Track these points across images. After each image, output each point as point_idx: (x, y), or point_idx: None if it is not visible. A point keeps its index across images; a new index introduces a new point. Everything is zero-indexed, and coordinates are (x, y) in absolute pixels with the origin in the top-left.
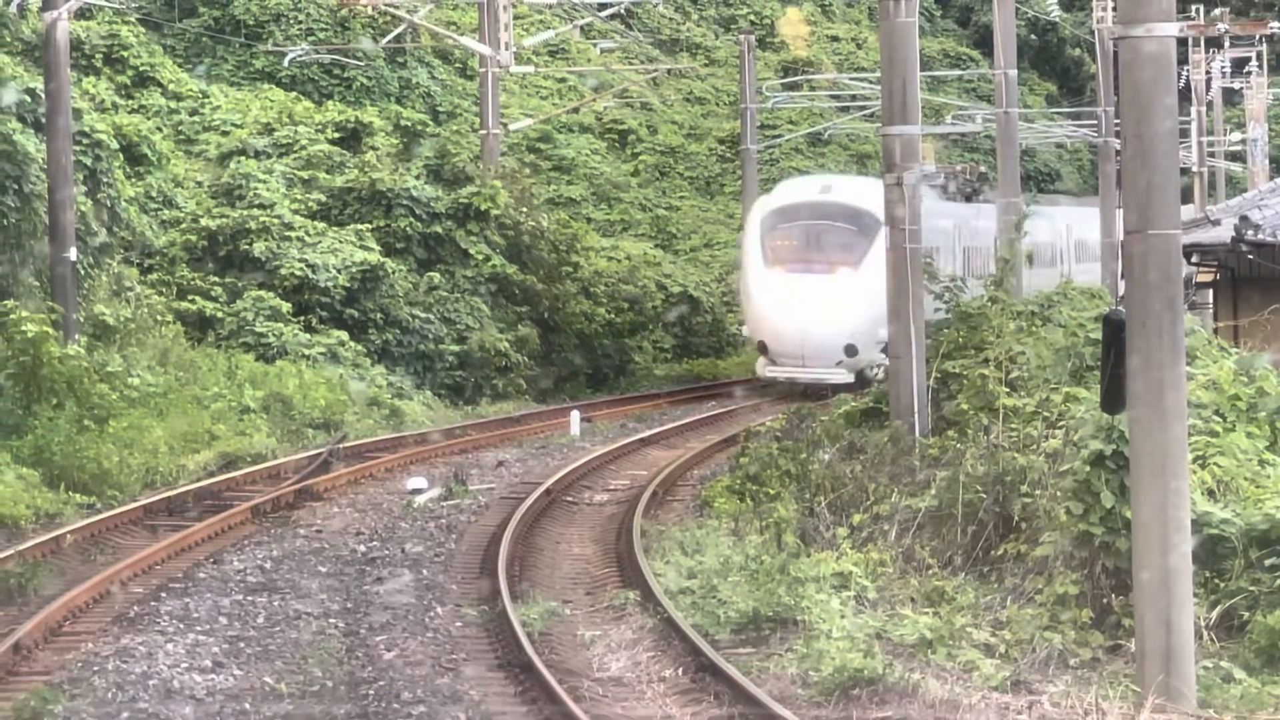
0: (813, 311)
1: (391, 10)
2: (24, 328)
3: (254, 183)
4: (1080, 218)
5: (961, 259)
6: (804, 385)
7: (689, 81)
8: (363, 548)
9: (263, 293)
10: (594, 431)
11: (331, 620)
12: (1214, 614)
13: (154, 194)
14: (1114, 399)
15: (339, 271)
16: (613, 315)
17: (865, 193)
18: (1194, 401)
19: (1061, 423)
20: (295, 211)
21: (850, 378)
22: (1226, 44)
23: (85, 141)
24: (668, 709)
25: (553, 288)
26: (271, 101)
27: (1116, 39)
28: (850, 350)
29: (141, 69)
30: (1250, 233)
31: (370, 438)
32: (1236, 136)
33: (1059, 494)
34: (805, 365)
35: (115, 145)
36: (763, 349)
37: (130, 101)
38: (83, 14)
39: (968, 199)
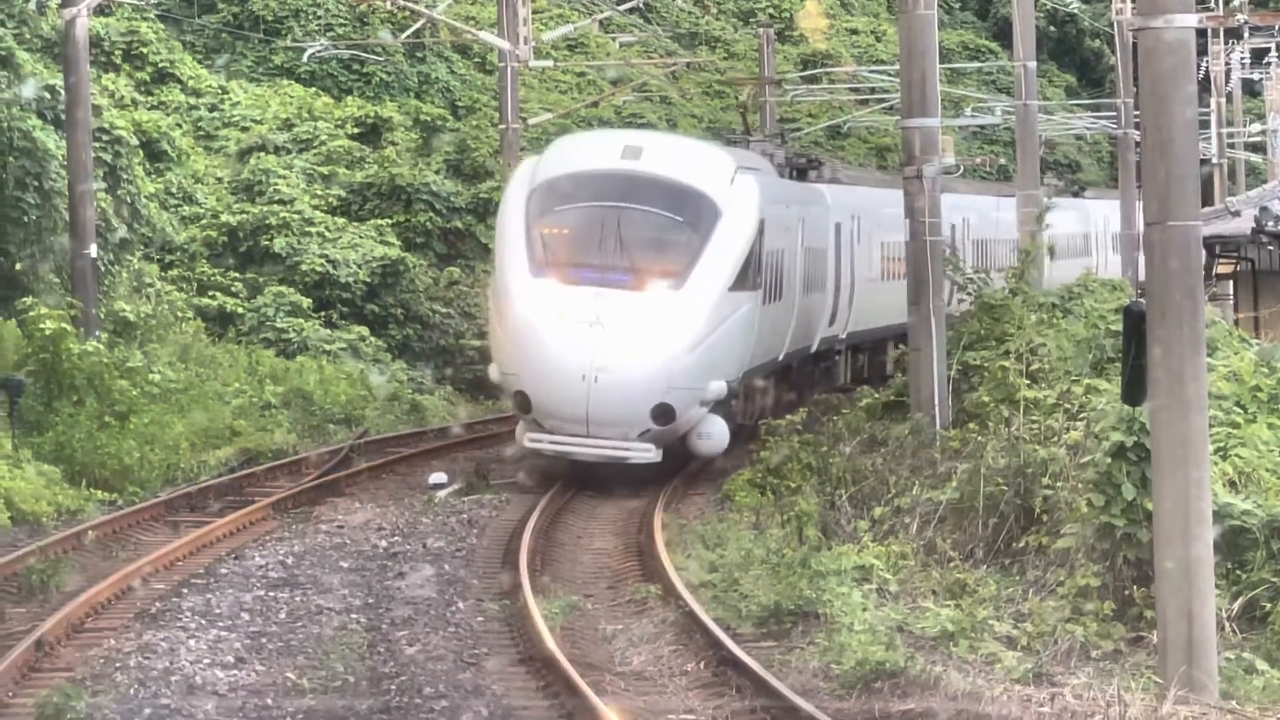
0: (606, 349)
1: (410, 5)
2: (44, 324)
3: (274, 178)
4: None
5: (800, 265)
6: (586, 462)
7: (708, 75)
8: (384, 543)
9: (283, 288)
10: None
11: (353, 615)
12: (1236, 605)
13: (174, 190)
14: (1135, 390)
15: (359, 267)
16: None
17: (695, 162)
18: (1215, 393)
19: (1082, 414)
20: (315, 207)
21: (658, 455)
22: (1246, 35)
23: (105, 138)
24: (690, 702)
25: None
26: (291, 97)
27: (1136, 30)
28: (663, 414)
29: (161, 65)
30: (1271, 223)
31: (391, 433)
32: (1256, 128)
33: (1080, 486)
34: (590, 434)
35: (135, 141)
36: (522, 404)
37: (150, 98)
38: (102, 10)
39: (801, 175)
